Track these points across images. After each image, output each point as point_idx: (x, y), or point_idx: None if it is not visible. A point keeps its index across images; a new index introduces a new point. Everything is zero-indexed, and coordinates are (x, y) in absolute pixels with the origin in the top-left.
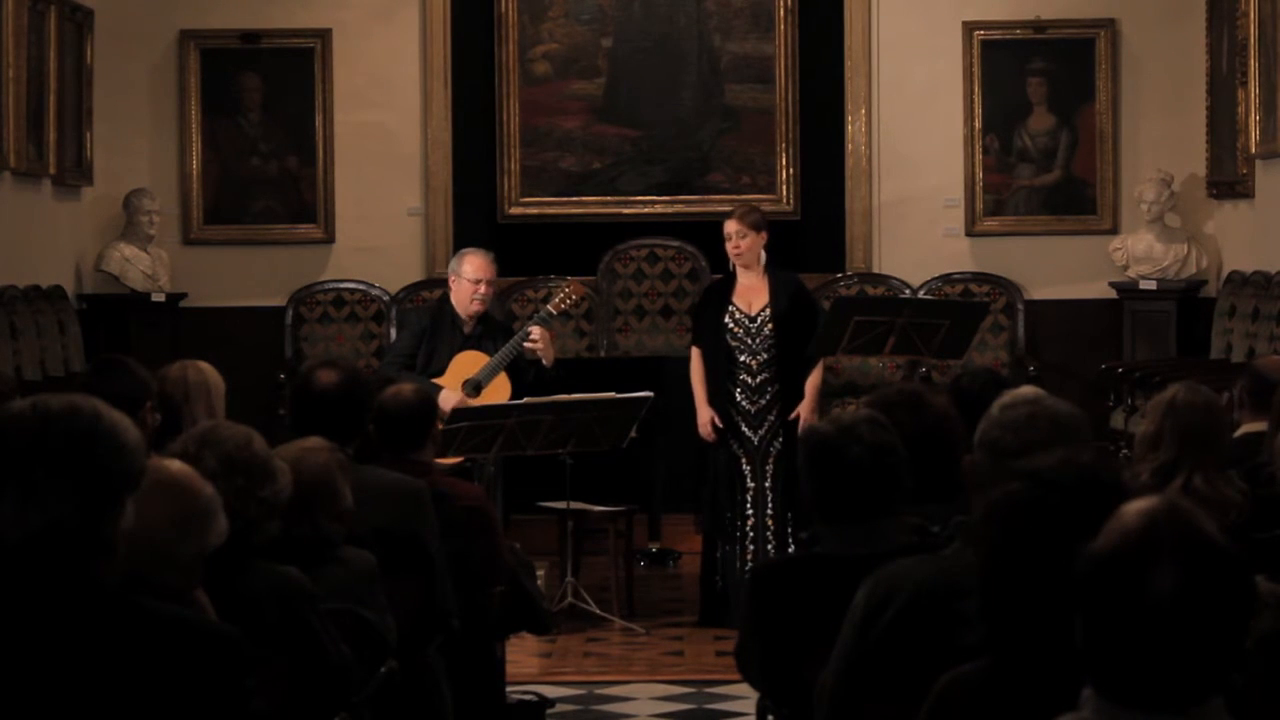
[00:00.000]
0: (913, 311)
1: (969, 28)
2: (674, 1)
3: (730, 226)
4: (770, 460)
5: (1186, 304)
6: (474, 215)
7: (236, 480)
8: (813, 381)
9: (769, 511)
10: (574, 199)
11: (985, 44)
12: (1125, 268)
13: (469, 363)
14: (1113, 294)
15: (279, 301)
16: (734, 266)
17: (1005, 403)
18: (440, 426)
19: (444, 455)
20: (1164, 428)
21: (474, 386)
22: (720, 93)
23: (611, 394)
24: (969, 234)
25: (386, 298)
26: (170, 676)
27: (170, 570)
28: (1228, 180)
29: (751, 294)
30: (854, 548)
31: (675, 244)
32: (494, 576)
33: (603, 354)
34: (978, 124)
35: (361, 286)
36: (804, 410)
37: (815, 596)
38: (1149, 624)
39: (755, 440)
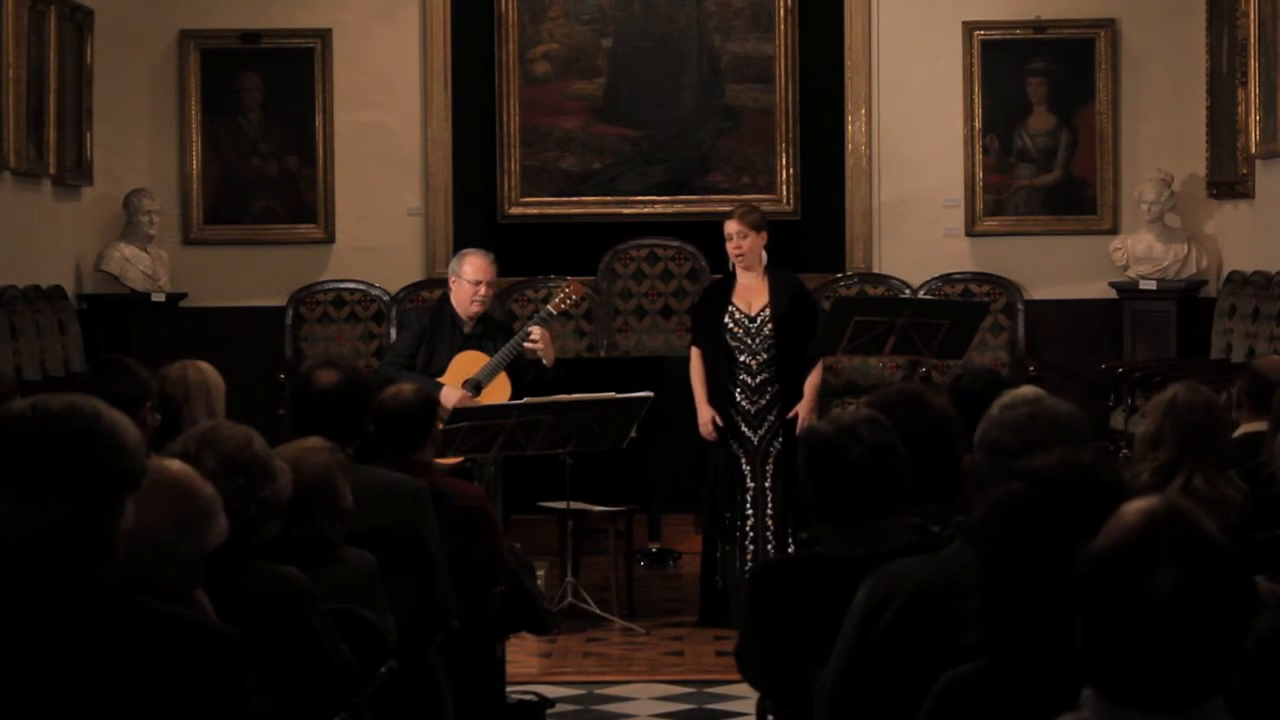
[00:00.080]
0: (913, 311)
1: (969, 28)
2: (674, 1)
3: (731, 227)
4: (770, 460)
5: (1186, 304)
6: (474, 215)
7: (236, 480)
8: (812, 381)
9: (769, 511)
10: (574, 199)
11: (985, 44)
12: (1125, 268)
13: (469, 363)
14: (1113, 294)
15: (279, 301)
16: (734, 266)
17: (1005, 403)
18: (440, 426)
19: (444, 455)
20: (1164, 428)
21: (474, 386)
22: (720, 93)
23: (611, 394)
24: (969, 234)
25: (386, 298)
26: (170, 676)
27: (170, 570)
28: (1228, 180)
29: (751, 294)
30: (854, 548)
31: (675, 244)
32: (494, 576)
33: (603, 354)
34: (978, 124)
35: (361, 286)
36: (802, 410)
37: (815, 596)
38: (1149, 623)
39: (755, 440)
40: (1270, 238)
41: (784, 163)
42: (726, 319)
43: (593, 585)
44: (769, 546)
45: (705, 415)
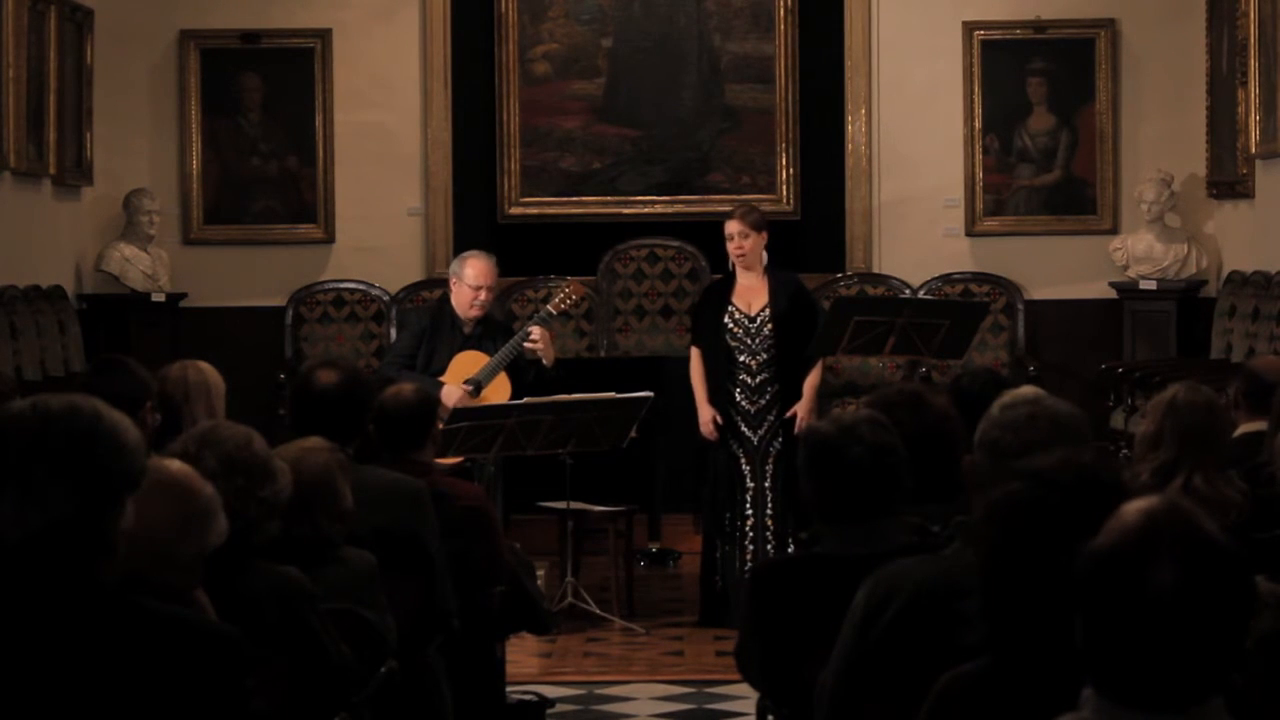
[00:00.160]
0: (913, 311)
1: (969, 28)
2: (674, 1)
3: (733, 227)
4: (770, 460)
5: (1186, 304)
6: (474, 215)
7: (236, 480)
8: (811, 381)
9: (769, 511)
10: (574, 199)
11: (985, 44)
12: (1125, 268)
13: (469, 363)
14: (1113, 294)
15: (279, 301)
16: (733, 266)
17: (1005, 403)
18: (440, 426)
19: (444, 455)
20: (1164, 428)
21: (474, 386)
22: (720, 93)
23: (611, 394)
24: (969, 234)
25: (386, 298)
26: (170, 676)
27: (170, 570)
28: (1228, 180)
29: (751, 294)
30: (854, 548)
31: (675, 244)
32: (494, 576)
33: (603, 354)
34: (978, 124)
35: (361, 286)
36: (801, 409)
37: (815, 596)
38: (1149, 622)
39: (755, 440)
40: (1270, 238)
41: (784, 163)
42: (726, 319)
43: (593, 585)
44: (769, 546)
45: (706, 415)
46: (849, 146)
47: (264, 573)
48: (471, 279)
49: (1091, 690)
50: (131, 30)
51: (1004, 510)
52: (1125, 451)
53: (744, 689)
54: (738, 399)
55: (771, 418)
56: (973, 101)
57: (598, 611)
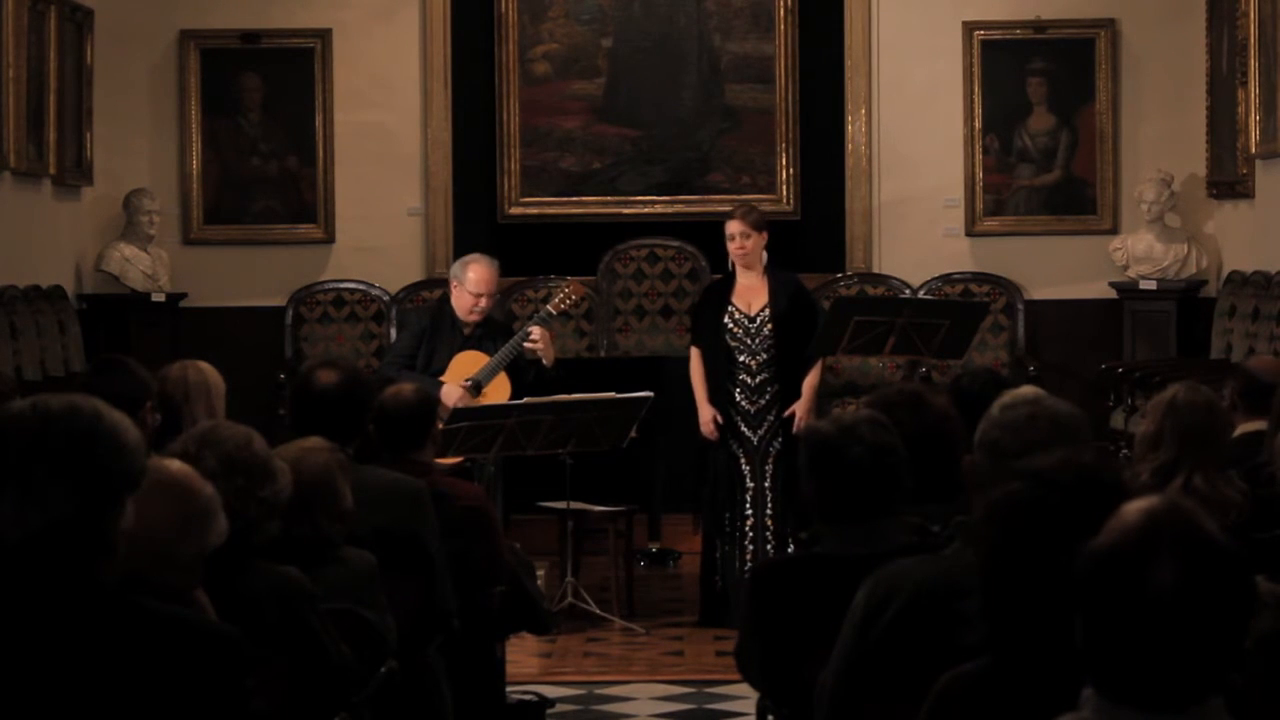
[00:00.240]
0: (913, 311)
1: (969, 28)
2: (674, 1)
3: (734, 227)
4: (770, 460)
5: (1186, 304)
6: (474, 215)
7: (236, 480)
8: (810, 381)
9: (769, 511)
10: (574, 199)
11: (985, 44)
12: (1125, 268)
13: (469, 363)
14: (1113, 294)
15: (279, 301)
16: (733, 266)
17: (1005, 403)
18: (440, 426)
19: (444, 455)
20: (1164, 428)
21: (474, 386)
22: (720, 93)
23: (611, 394)
24: (969, 234)
25: (386, 298)
26: (170, 676)
27: (170, 570)
28: (1228, 180)
29: (751, 294)
30: (854, 548)
31: (675, 244)
32: (494, 576)
33: (603, 354)
34: (978, 124)
35: (361, 286)
36: (800, 409)
37: (815, 596)
38: (1149, 621)
39: (755, 440)
40: (1270, 238)
41: (784, 163)
42: (726, 319)
43: (593, 585)
44: (769, 546)
45: (706, 414)
46: (849, 146)
47: (264, 573)
48: (473, 286)
49: (1091, 690)
50: (131, 30)
51: (1004, 510)
52: (1125, 451)
53: (744, 689)
54: (737, 399)
55: (771, 418)
56: (973, 101)
57: (598, 611)
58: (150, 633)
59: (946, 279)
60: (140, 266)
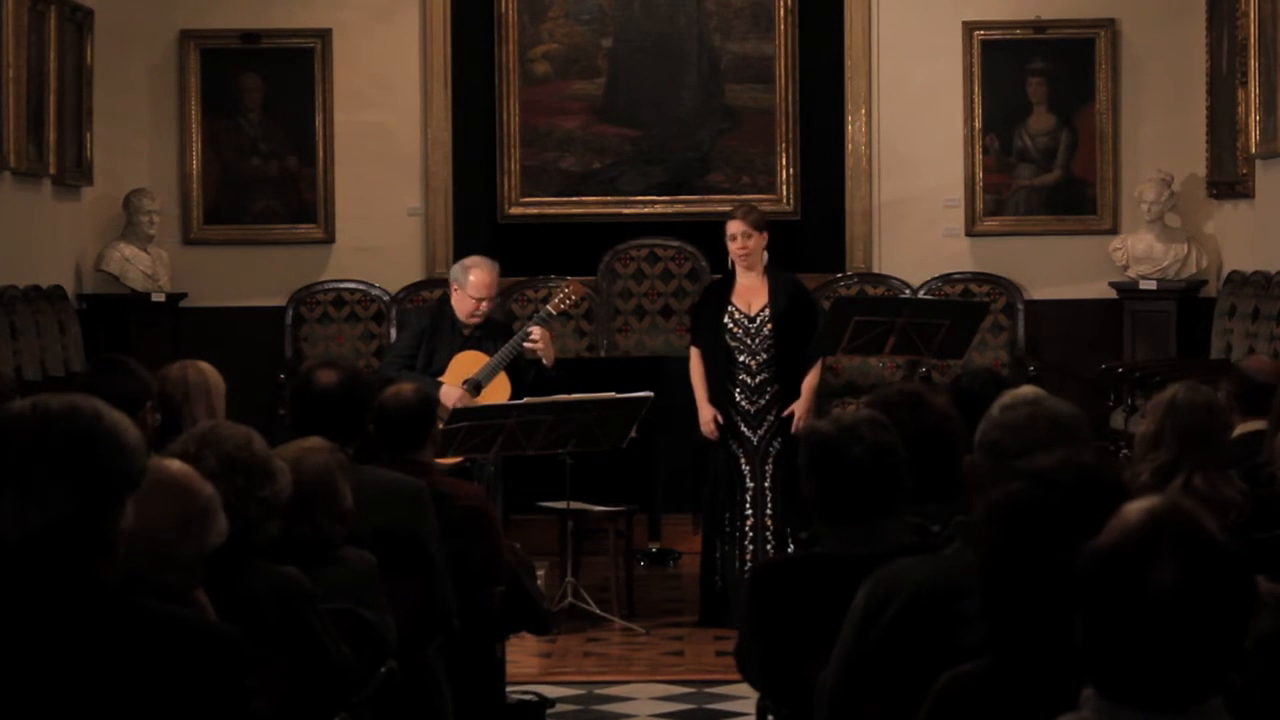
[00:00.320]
0: (913, 311)
1: (969, 28)
2: (674, 1)
3: (736, 227)
4: (770, 460)
5: (1186, 304)
6: (474, 215)
7: (236, 480)
8: (810, 381)
9: (768, 511)
10: (574, 199)
11: (985, 44)
12: (1125, 268)
13: (469, 363)
14: (1113, 294)
15: (279, 301)
16: (733, 266)
17: (1005, 403)
18: (440, 426)
19: (444, 455)
20: (1164, 428)
21: (474, 386)
22: (720, 93)
23: (611, 394)
24: (969, 234)
25: (386, 298)
26: (170, 676)
27: (170, 570)
28: (1228, 180)
29: (751, 294)
30: (854, 548)
31: (675, 244)
32: (494, 576)
33: (603, 354)
34: (978, 124)
35: (361, 286)
36: (799, 409)
37: (815, 596)
38: (1149, 621)
39: (755, 440)
40: (1270, 238)
41: (784, 163)
42: (726, 319)
43: (593, 585)
44: (769, 546)
45: (707, 414)
46: (849, 146)
47: (264, 573)
48: (474, 290)
49: (1091, 690)
50: (131, 30)
51: (1004, 510)
52: (1125, 451)
53: (744, 689)
54: (737, 399)
55: (771, 418)
56: (973, 101)
57: (598, 611)
58: (150, 633)
59: (946, 279)
60: (140, 266)
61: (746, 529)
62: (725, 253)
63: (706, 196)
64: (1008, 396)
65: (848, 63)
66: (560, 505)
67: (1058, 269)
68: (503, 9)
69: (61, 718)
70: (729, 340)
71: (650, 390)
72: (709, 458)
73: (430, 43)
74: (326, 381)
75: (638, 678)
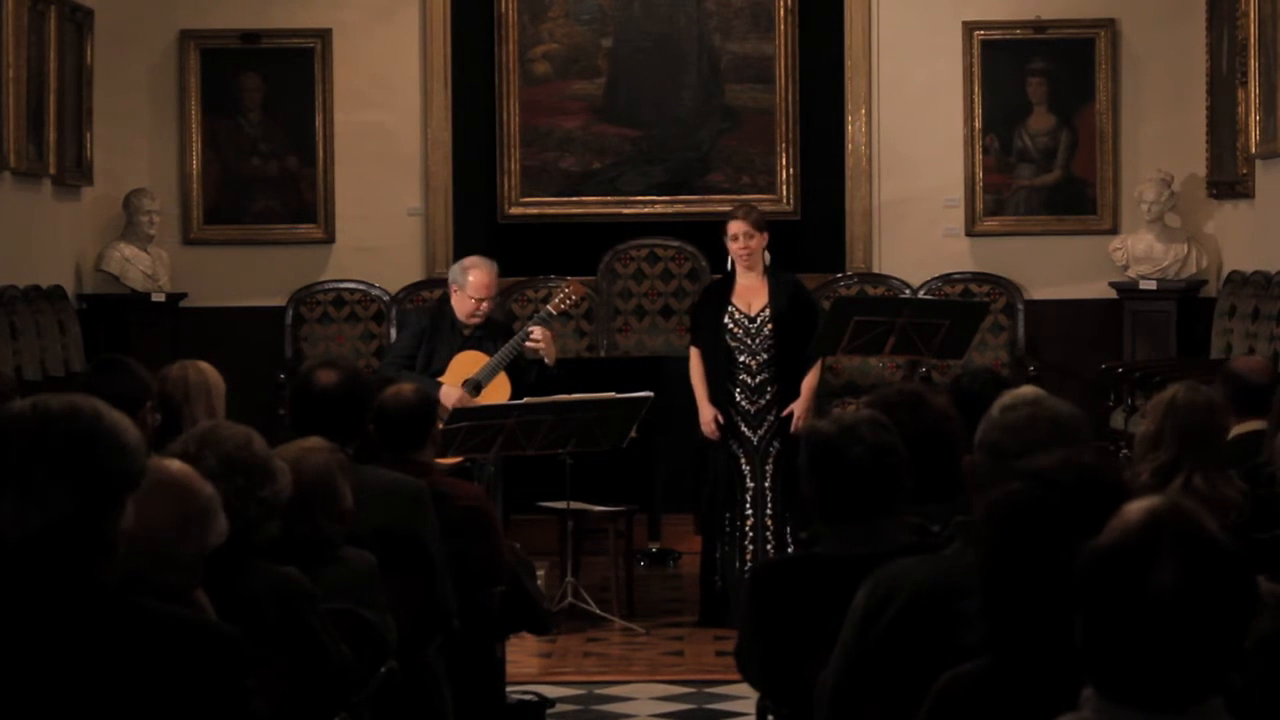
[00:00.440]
0: (913, 311)
1: (969, 28)
2: (674, 1)
3: (738, 227)
4: (770, 460)
5: (1186, 304)
6: (474, 215)
7: (236, 480)
8: (809, 381)
9: (768, 511)
10: (574, 199)
11: (985, 44)
12: (1125, 268)
13: (469, 363)
14: (1113, 294)
15: (279, 301)
16: (732, 266)
17: (1005, 404)
18: (440, 425)
19: (444, 455)
20: (1164, 428)
21: (474, 386)
22: (720, 93)
23: (611, 394)
24: (969, 234)
25: (386, 298)
26: (170, 676)
27: (170, 570)
28: (1228, 180)
29: (751, 294)
30: (854, 548)
31: (675, 244)
32: (494, 576)
33: (603, 354)
34: (978, 124)
35: (361, 286)
36: (798, 409)
37: (815, 596)
38: (1149, 620)
39: (755, 440)
40: (1270, 238)
41: (784, 163)
42: (726, 319)
43: (593, 585)
44: (769, 546)
45: (707, 414)
46: (849, 146)
47: (264, 573)
48: (474, 290)
49: (1091, 690)
50: (131, 30)
51: (1004, 510)
52: (1125, 451)
53: (744, 689)
54: (737, 399)
55: (771, 418)
56: (973, 101)
57: (598, 611)
58: (150, 633)
59: (946, 279)
60: (140, 266)
61: (746, 529)
62: (725, 253)
63: (706, 196)
64: (1008, 397)
65: (848, 63)
66: (560, 505)
67: (1058, 269)
68: (503, 9)
69: (61, 718)
70: (729, 340)
71: (650, 390)
72: (709, 458)
73: (430, 43)
74: (326, 381)
75: (638, 678)
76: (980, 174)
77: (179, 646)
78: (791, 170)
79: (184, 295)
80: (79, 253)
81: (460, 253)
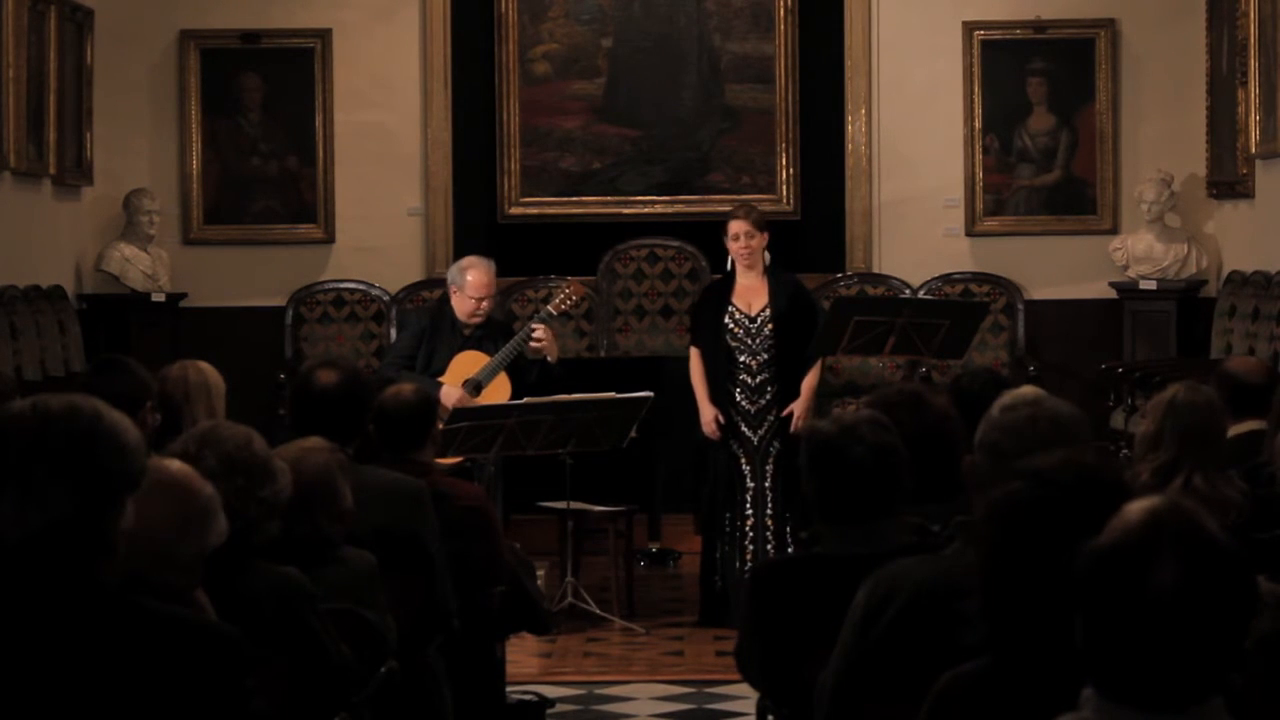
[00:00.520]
0: (913, 311)
1: (969, 28)
2: (674, 1)
3: (740, 226)
4: (770, 460)
5: (1186, 304)
6: (474, 215)
7: (236, 480)
8: (809, 381)
9: (769, 511)
10: (574, 199)
11: (985, 44)
12: (1125, 268)
13: (469, 363)
14: (1113, 294)
15: (279, 301)
16: (732, 266)
17: (1006, 404)
18: (441, 425)
19: (444, 455)
20: (1164, 428)
21: (474, 386)
22: (720, 93)
23: (611, 394)
24: (969, 234)
25: (386, 298)
26: (170, 676)
27: (170, 570)
28: (1228, 180)
29: (751, 294)
30: (854, 548)
31: (675, 244)
32: (494, 576)
33: (603, 354)
34: (978, 124)
35: (361, 286)
36: (798, 408)
37: (815, 596)
38: (1150, 621)
39: (755, 440)
40: (1270, 238)
41: (784, 163)
42: (726, 319)
43: (593, 585)
44: (769, 546)
45: (708, 414)
46: (849, 146)
47: (264, 573)
48: (473, 290)
49: (1091, 690)
50: (131, 30)
51: (1004, 510)
52: (1125, 451)
53: (744, 689)
54: (738, 399)
55: (771, 418)
56: (973, 101)
57: (598, 611)
58: (150, 633)
59: (946, 279)
60: (140, 266)
61: (747, 529)
62: (725, 253)
63: (706, 196)
64: (1008, 397)
65: (848, 63)
66: (560, 505)
67: (1058, 269)
68: (503, 9)
69: (61, 718)
70: (729, 340)
71: (650, 390)
72: (709, 458)
73: (430, 43)
74: (326, 381)
75: (638, 678)
76: (980, 174)
77: (179, 646)
78: (791, 170)
79: (184, 295)
80: (79, 253)
81: (460, 253)
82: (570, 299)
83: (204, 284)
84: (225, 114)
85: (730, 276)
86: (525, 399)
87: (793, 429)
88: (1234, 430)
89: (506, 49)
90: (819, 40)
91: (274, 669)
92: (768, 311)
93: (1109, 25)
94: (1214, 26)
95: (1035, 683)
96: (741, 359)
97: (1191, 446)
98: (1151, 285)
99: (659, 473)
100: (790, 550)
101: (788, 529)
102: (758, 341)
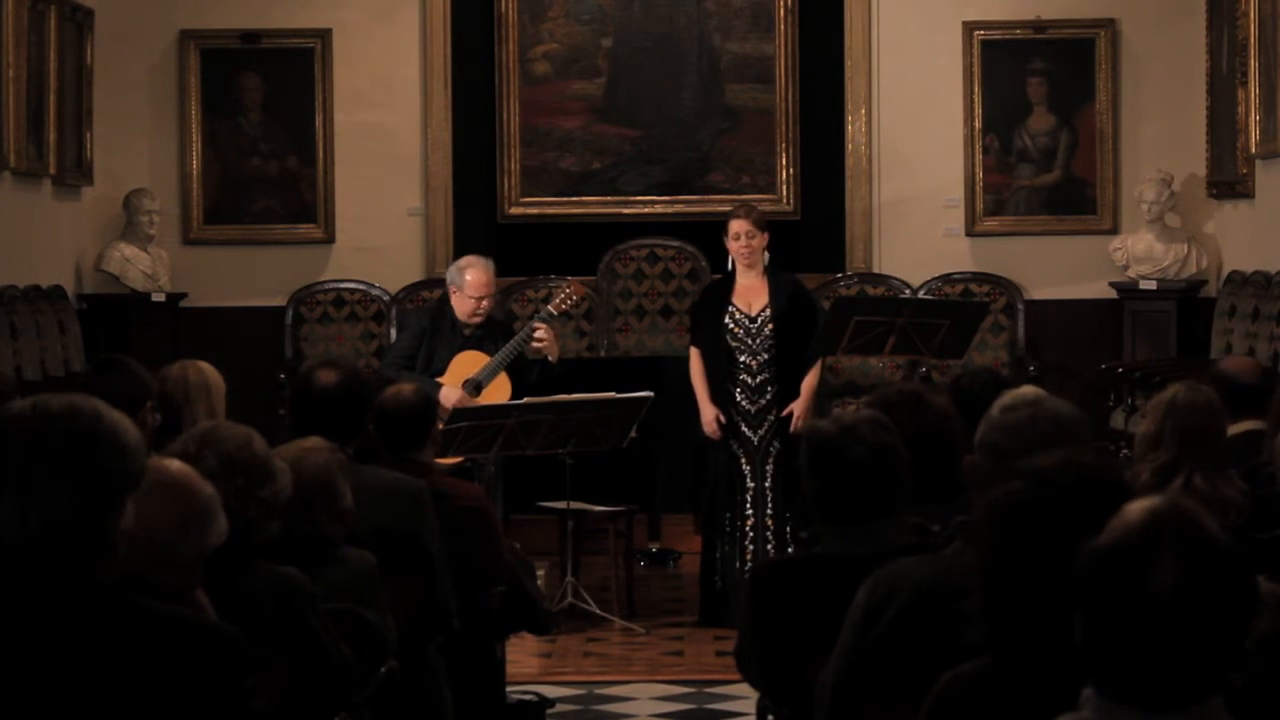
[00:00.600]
0: (913, 311)
1: (969, 28)
2: (674, 1)
3: (741, 226)
4: (770, 460)
5: (1186, 304)
6: (474, 215)
7: (236, 480)
8: (809, 381)
9: (769, 511)
10: (574, 199)
11: (985, 44)
12: (1125, 268)
13: (469, 363)
14: (1113, 294)
15: (279, 301)
16: (732, 266)
17: (1006, 404)
18: (441, 425)
19: (444, 455)
20: (1164, 428)
21: (474, 386)
22: (720, 93)
23: (611, 394)
24: (969, 234)
25: (386, 298)
26: (170, 676)
27: (170, 570)
28: (1228, 180)
29: (751, 294)
30: (854, 548)
31: (675, 244)
32: (494, 576)
33: (603, 354)
34: (978, 124)
35: (361, 286)
36: (798, 408)
37: (815, 596)
38: (1150, 620)
39: (755, 440)
40: (1270, 238)
41: (784, 163)
42: (726, 319)
43: (593, 585)
44: (769, 546)
45: (709, 414)
46: (849, 146)
47: (264, 573)
48: (473, 290)
49: (1092, 690)
50: (131, 30)
51: (1005, 510)
52: (1125, 451)
53: (744, 689)
54: (738, 399)
55: (772, 418)
56: (973, 101)
57: (598, 611)
58: (150, 633)
59: (946, 279)
60: (140, 266)
61: (747, 529)
62: (725, 253)
63: (706, 196)
64: (1008, 397)
65: (848, 63)
66: (560, 505)
67: (1058, 269)
68: (503, 9)
69: (61, 718)
70: (729, 340)
71: (650, 390)
72: (709, 458)
73: (430, 43)
74: (326, 381)
75: (638, 678)
76: (980, 174)
77: (179, 646)
78: (791, 170)
79: (184, 295)
80: (79, 253)
81: (460, 252)
82: (570, 299)
83: (204, 284)
84: (225, 114)
85: (730, 276)
86: (525, 399)
87: (793, 429)
88: (1231, 430)
89: (506, 49)
90: (819, 40)
91: (274, 669)
92: (768, 311)
93: (1109, 25)
94: (1214, 26)
95: (1035, 683)
96: (741, 359)
97: (1191, 446)
98: (1151, 285)
99: (659, 473)
100: (790, 550)
101: (788, 529)
102: (758, 341)
